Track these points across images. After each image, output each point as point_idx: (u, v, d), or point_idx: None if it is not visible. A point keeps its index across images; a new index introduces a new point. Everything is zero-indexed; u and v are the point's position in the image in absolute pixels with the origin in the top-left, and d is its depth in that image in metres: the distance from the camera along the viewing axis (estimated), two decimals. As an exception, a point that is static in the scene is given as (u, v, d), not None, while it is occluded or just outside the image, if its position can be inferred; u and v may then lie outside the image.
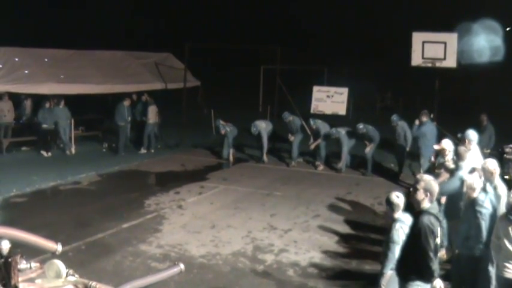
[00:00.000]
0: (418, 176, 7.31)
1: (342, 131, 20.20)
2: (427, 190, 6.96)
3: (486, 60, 23.36)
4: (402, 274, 7.37)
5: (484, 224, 8.59)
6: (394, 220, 7.93)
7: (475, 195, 8.75)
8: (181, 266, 11.47)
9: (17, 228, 9.33)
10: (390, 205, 8.02)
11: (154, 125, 23.68)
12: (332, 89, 25.89)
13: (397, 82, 39.11)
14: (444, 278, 7.64)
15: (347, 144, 20.21)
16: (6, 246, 8.52)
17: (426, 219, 6.87)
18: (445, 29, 21.83)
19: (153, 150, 23.46)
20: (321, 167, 20.83)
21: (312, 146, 21.17)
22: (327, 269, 11.27)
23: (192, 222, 14.29)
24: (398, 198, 7.93)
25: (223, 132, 21.96)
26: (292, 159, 21.38)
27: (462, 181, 9.58)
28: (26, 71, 22.40)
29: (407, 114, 22.13)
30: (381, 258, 8.37)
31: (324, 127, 20.90)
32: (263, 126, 21.55)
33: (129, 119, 23.55)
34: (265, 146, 21.70)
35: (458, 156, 11.03)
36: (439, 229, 7.00)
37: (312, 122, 21.43)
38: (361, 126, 19.91)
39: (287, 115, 21.61)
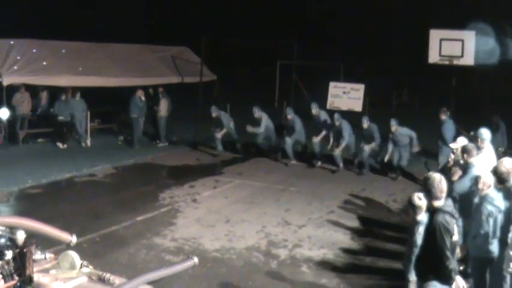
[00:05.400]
0: (425, 175, 7.26)
1: (345, 121, 19.76)
2: (432, 188, 6.94)
3: (497, 60, 23.05)
4: (420, 274, 7.34)
5: (492, 222, 8.49)
6: (416, 223, 7.87)
7: (487, 192, 8.66)
8: (195, 259, 11.49)
9: (33, 219, 9.36)
10: (412, 207, 7.96)
11: (166, 118, 23.74)
12: (348, 85, 25.79)
13: (414, 79, 38.97)
14: (462, 276, 7.57)
15: (348, 134, 19.54)
16: (21, 236, 8.56)
17: (441, 218, 6.81)
18: (463, 26, 21.73)
19: (167, 143, 23.49)
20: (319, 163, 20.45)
21: (318, 139, 20.31)
22: (340, 266, 11.25)
23: (207, 216, 14.31)
24: (420, 200, 7.83)
25: (214, 114, 21.80)
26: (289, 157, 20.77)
27: (474, 178, 9.50)
28: (44, 63, 22.51)
29: (424, 111, 22.06)
30: (404, 260, 8.30)
31: (325, 116, 20.54)
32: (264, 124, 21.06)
33: (144, 111, 23.55)
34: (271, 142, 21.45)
35: (466, 153, 10.92)
36: (455, 227, 6.93)
37: (313, 106, 20.78)
38: (365, 119, 19.30)
39: (289, 111, 20.93)
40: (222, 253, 11.72)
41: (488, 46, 21.39)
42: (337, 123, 19.63)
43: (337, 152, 19.59)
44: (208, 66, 28.04)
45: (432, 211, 7.02)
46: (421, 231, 7.58)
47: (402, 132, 18.42)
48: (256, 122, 21.03)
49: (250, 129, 21.01)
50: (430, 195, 6.98)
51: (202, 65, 25.93)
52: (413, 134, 18.43)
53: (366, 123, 19.07)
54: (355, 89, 25.42)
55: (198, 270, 10.39)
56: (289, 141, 20.50)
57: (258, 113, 21.13)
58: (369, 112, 25.34)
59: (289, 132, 20.80)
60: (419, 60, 24.13)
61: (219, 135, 21.71)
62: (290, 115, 20.64)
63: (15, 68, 21.54)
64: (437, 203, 6.94)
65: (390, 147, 18.54)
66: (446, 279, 6.95)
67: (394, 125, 18.32)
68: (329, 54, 33.31)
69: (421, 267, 7.30)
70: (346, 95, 25.36)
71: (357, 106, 25.02)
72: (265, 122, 20.95)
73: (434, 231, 6.82)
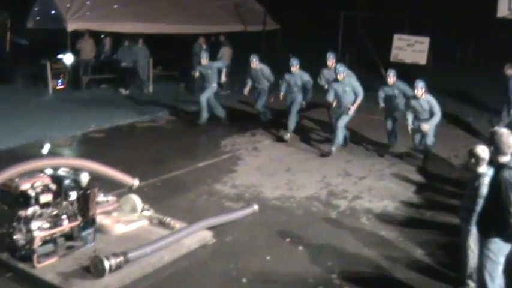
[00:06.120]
0: (492, 130, 7.09)
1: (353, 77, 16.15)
2: (500, 144, 6.78)
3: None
4: (482, 230, 7.20)
5: None
6: (480, 175, 7.72)
7: None
8: (255, 206, 11.63)
9: (96, 162, 9.52)
10: (476, 158, 7.80)
11: (228, 66, 23.58)
12: (413, 38, 25.39)
13: (480, 34, 38.11)
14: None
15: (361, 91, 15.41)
16: (85, 178, 8.78)
17: (507, 174, 6.65)
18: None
19: (229, 91, 23.42)
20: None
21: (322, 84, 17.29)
22: (400, 218, 11.19)
23: (267, 164, 14.40)
24: (484, 152, 7.68)
25: (204, 62, 18.54)
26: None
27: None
28: (108, 10, 22.68)
29: (489, 67, 21.55)
30: (463, 212, 8.16)
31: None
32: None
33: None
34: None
35: None
36: None
37: (330, 56, 17.33)
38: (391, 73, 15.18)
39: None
40: (282, 201, 11.78)
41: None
42: (339, 78, 15.31)
43: (341, 123, 15.49)
44: (272, 16, 27.87)
45: (497, 167, 6.87)
46: (486, 182, 7.45)
47: (430, 100, 13.93)
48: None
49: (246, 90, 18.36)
50: (496, 150, 6.83)
51: (266, 14, 25.76)
52: (438, 113, 13.96)
53: (392, 78, 15.00)
54: (419, 41, 25.05)
55: (257, 218, 10.57)
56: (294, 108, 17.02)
57: (255, 63, 18.18)
58: (433, 66, 24.95)
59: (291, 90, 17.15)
60: (487, 14, 23.51)
61: (204, 97, 18.30)
62: (295, 66, 17.03)
63: (80, 14, 21.77)
64: (503, 159, 6.79)
65: (410, 117, 14.38)
66: (510, 236, 6.83)
67: (420, 88, 13.76)
68: (394, 6, 32.68)
69: (484, 223, 7.18)
70: (411, 48, 25.01)
71: (421, 59, 24.67)
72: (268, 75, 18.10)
73: (499, 187, 6.68)
